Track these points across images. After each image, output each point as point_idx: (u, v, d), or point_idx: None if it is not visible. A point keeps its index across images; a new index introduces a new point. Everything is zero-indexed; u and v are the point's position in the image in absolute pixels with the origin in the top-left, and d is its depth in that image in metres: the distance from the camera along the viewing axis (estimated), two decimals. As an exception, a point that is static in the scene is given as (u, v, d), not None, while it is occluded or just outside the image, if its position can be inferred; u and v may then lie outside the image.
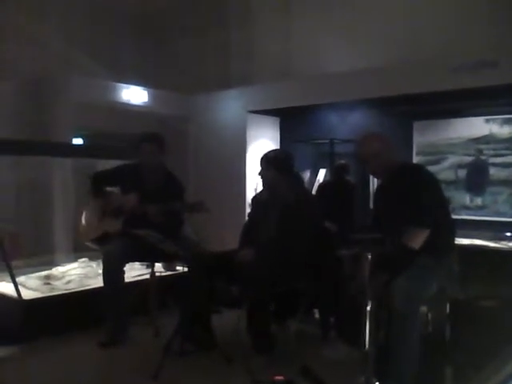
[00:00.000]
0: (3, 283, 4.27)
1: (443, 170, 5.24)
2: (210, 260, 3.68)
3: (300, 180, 3.95)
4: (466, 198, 5.23)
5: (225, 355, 3.41)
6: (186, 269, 3.71)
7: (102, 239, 3.92)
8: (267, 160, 3.69)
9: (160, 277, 4.27)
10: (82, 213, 4.14)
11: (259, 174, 3.76)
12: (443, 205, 3.06)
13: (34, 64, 6.05)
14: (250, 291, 3.38)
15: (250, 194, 6.05)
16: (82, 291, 4.24)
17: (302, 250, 3.49)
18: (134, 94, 6.23)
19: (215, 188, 6.35)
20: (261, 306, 3.40)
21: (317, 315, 4.11)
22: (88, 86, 5.83)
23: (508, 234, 4.81)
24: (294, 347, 3.58)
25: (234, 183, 6.33)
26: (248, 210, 5.31)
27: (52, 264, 4.97)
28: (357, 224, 5.18)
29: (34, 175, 5.54)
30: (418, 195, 2.89)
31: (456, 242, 3.23)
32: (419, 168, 3.33)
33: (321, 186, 5.80)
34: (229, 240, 4.07)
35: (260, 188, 3.97)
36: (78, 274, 4.66)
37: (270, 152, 3.79)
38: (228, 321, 3.81)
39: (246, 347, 3.43)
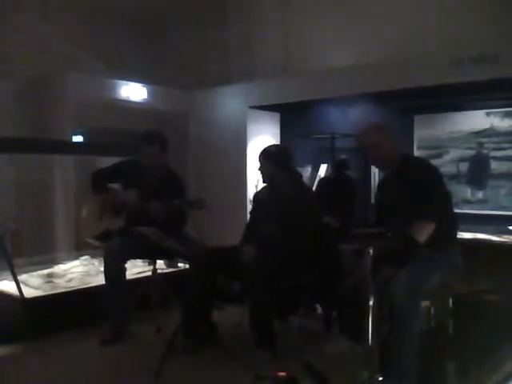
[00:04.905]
0: (5, 282, 4.27)
1: (444, 164, 5.21)
2: (211, 256, 3.67)
3: (298, 175, 3.95)
4: (468, 192, 5.21)
5: (227, 351, 3.41)
6: (187, 265, 3.71)
7: (104, 236, 3.92)
8: (265, 155, 3.71)
9: (162, 274, 4.27)
10: (83, 210, 4.13)
11: (259, 169, 3.77)
12: (446, 199, 3.06)
13: (33, 62, 6.04)
14: (252, 287, 3.38)
15: (250, 190, 6.04)
16: (83, 289, 4.24)
17: (303, 245, 3.48)
18: (134, 91, 6.22)
19: (215, 184, 6.34)
20: (262, 302, 3.39)
21: (320, 311, 4.11)
22: (87, 83, 5.80)
23: (510, 227, 4.80)
24: (296, 343, 3.58)
25: (235, 179, 6.32)
26: (249, 206, 5.31)
27: (54, 262, 4.97)
28: (357, 219, 5.17)
29: (34, 173, 5.54)
30: (425, 189, 2.89)
31: (458, 236, 3.22)
32: (425, 161, 3.32)
33: (321, 181, 5.79)
34: (229, 236, 4.06)
35: (261, 184, 3.97)
36: (80, 271, 4.67)
37: (267, 147, 3.80)
38: (230, 317, 3.81)
39: (248, 343, 3.43)
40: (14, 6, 5.95)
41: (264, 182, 3.84)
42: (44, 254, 5.21)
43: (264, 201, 3.83)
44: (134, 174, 3.95)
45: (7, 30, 5.91)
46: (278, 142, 6.53)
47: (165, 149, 3.93)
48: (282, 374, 2.84)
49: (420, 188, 2.90)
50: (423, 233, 2.82)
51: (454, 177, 5.22)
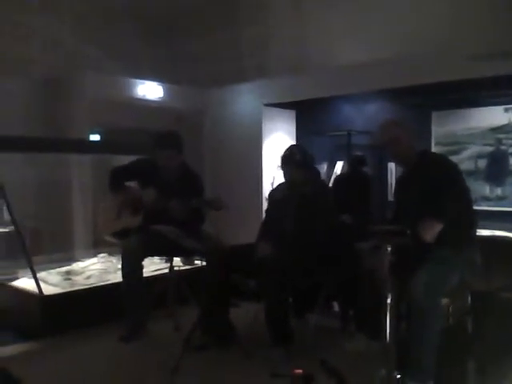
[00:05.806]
0: (24, 279, 4.33)
1: (463, 161, 5.14)
2: (227, 254, 3.68)
3: (317, 173, 3.94)
4: (486, 189, 5.15)
5: (244, 348, 3.42)
6: (204, 263, 3.72)
7: (122, 234, 3.94)
8: (287, 156, 3.69)
9: (179, 271, 4.29)
10: (100, 208, 4.16)
11: (281, 168, 3.75)
12: (465, 196, 3.00)
13: (50, 62, 6.10)
14: (268, 284, 3.38)
15: (266, 188, 6.04)
16: (101, 286, 4.28)
17: (319, 243, 3.48)
18: (150, 90, 6.24)
19: (231, 182, 6.34)
20: (279, 300, 3.39)
21: (336, 308, 4.09)
22: (103, 82, 5.84)
23: (530, 224, 4.73)
24: (312, 340, 3.57)
25: (250, 177, 6.31)
26: (264, 204, 5.31)
27: (72, 259, 5.02)
28: (373, 216, 5.14)
29: (52, 172, 5.60)
30: (443, 185, 2.85)
31: (477, 234, 3.18)
32: (443, 157, 3.28)
33: (337, 178, 5.75)
34: (245, 234, 4.06)
35: (276, 182, 3.96)
36: (98, 269, 4.70)
37: (287, 151, 3.75)
38: (246, 314, 3.82)
39: (264, 341, 3.43)
40: (30, 5, 6.02)
41: (285, 180, 3.83)
42: (62, 252, 5.26)
43: (280, 199, 3.82)
44: (150, 173, 3.95)
45: (23, 29, 5.98)
46: (294, 140, 6.53)
47: (181, 151, 3.94)
48: (299, 371, 2.84)
49: (439, 184, 2.86)
50: (429, 232, 2.69)
51: (472, 173, 5.16)
